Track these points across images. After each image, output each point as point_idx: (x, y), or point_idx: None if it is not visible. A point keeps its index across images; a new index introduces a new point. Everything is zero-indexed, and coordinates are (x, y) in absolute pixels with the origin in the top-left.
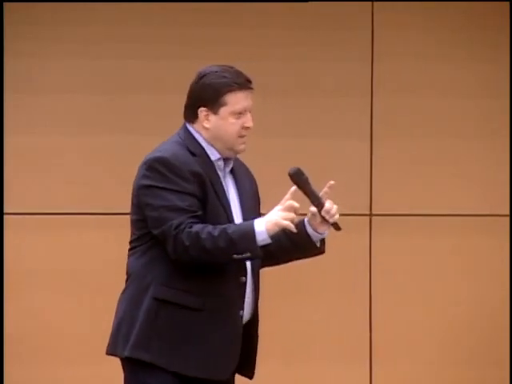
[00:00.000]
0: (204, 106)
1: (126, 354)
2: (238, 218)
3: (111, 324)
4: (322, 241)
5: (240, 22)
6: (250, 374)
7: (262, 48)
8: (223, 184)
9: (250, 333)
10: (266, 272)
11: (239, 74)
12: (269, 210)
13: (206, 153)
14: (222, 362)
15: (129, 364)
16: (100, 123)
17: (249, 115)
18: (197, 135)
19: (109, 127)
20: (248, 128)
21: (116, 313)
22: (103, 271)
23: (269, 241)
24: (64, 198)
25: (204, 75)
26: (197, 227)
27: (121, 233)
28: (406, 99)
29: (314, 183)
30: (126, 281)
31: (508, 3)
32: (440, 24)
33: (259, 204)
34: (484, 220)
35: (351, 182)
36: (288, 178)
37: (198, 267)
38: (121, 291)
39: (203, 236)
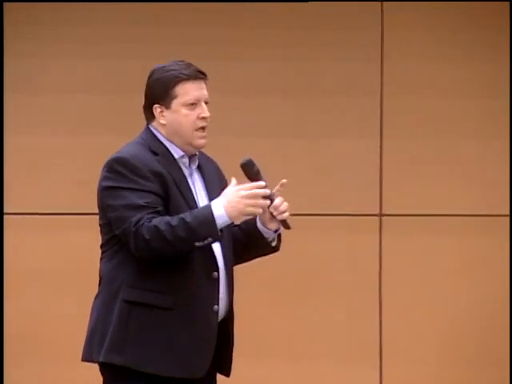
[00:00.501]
0: (157, 103)
1: (101, 359)
2: None
3: None
4: (278, 238)
5: (240, 21)
6: (226, 372)
7: (269, 48)
8: (188, 181)
9: (225, 330)
10: (274, 272)
11: (188, 65)
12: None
13: (168, 151)
14: (195, 360)
15: (105, 369)
16: (100, 123)
17: (203, 105)
18: (158, 134)
19: (109, 127)
20: (204, 118)
21: (90, 318)
22: None
23: (229, 222)
24: (64, 198)
25: (153, 72)
26: (155, 220)
27: None
28: (416, 99)
29: (323, 183)
30: (98, 286)
31: (508, 3)
32: (441, 24)
33: None
34: (484, 220)
35: (361, 182)
36: (301, 177)
37: (166, 266)
38: None
39: (162, 228)
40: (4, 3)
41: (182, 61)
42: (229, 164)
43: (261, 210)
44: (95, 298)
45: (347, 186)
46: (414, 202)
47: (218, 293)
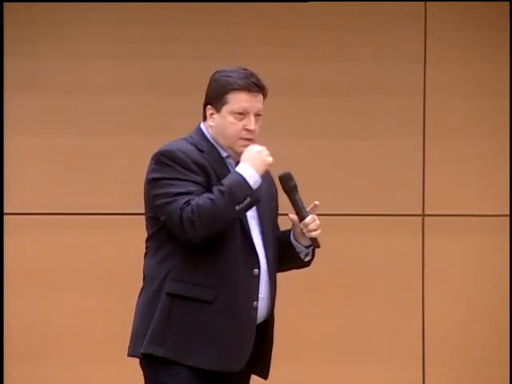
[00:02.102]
0: (210, 104)
1: (142, 350)
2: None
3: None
4: (313, 253)
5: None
6: (264, 375)
7: (314, 48)
8: None
9: (266, 332)
10: (317, 273)
11: (248, 75)
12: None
13: (216, 149)
14: (234, 354)
15: (145, 361)
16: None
17: (252, 118)
18: (207, 133)
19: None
20: (249, 131)
21: (134, 316)
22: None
23: (258, 178)
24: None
25: (214, 73)
26: (193, 200)
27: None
28: (459, 99)
29: (366, 183)
30: (143, 281)
31: (508, 3)
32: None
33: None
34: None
35: (404, 182)
36: (344, 177)
37: (209, 260)
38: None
39: (202, 203)
40: (4, 3)
41: (246, 69)
42: (276, 164)
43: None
44: (138, 296)
45: (390, 187)
46: (457, 202)
47: (258, 290)
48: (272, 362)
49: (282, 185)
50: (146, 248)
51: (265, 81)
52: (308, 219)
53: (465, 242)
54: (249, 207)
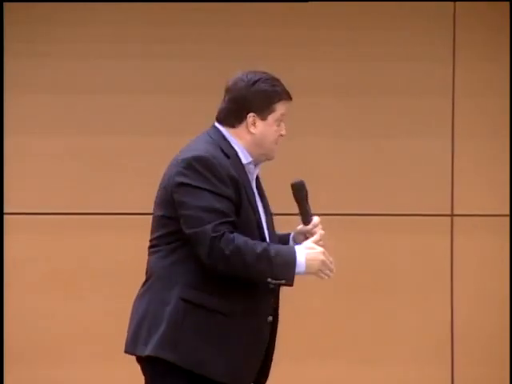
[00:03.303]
0: (254, 112)
1: (150, 352)
2: (264, 223)
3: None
4: None
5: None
6: (263, 380)
7: (342, 48)
8: (252, 188)
9: (269, 339)
10: (346, 273)
11: (283, 84)
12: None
13: (237, 155)
14: (245, 369)
15: (150, 364)
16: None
17: (283, 124)
18: (231, 138)
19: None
20: (282, 136)
21: (135, 312)
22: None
23: (303, 273)
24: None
25: (255, 81)
26: (238, 238)
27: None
28: (488, 99)
29: (395, 183)
30: (147, 280)
31: (508, 3)
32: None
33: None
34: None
35: (433, 182)
36: (373, 178)
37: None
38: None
39: (245, 250)
40: (4, 3)
41: (267, 73)
42: (296, 163)
43: (323, 278)
44: (143, 292)
45: (419, 187)
46: (486, 202)
47: (272, 303)
48: (300, 362)
49: (294, 193)
50: (155, 246)
51: (284, 80)
52: (316, 229)
53: (494, 242)
54: (278, 285)
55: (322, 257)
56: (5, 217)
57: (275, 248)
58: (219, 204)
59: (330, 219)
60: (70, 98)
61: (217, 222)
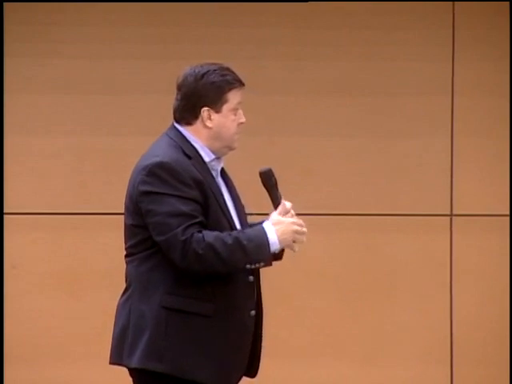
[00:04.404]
0: (207, 106)
1: (136, 364)
2: (235, 218)
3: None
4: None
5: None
6: (253, 374)
7: (339, 48)
8: (218, 185)
9: (255, 332)
10: (344, 272)
11: (233, 71)
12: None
13: (199, 154)
14: (234, 368)
15: (139, 375)
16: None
17: (241, 111)
18: (190, 137)
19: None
20: (242, 123)
21: (117, 321)
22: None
23: (278, 249)
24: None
25: (203, 74)
26: (208, 236)
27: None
28: (487, 99)
29: (394, 183)
30: (127, 289)
31: (508, 3)
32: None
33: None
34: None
35: (432, 182)
36: (371, 177)
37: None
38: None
39: (217, 245)
40: (4, 3)
41: (223, 65)
42: (297, 163)
43: (297, 248)
44: (123, 301)
45: (418, 186)
46: (486, 201)
47: (254, 296)
48: (300, 362)
49: (263, 181)
50: (130, 255)
51: (286, 80)
52: (289, 215)
53: (494, 242)
54: (257, 268)
55: (292, 227)
56: (5, 217)
57: (245, 234)
58: (185, 207)
59: (329, 219)
60: (70, 97)
61: (185, 225)
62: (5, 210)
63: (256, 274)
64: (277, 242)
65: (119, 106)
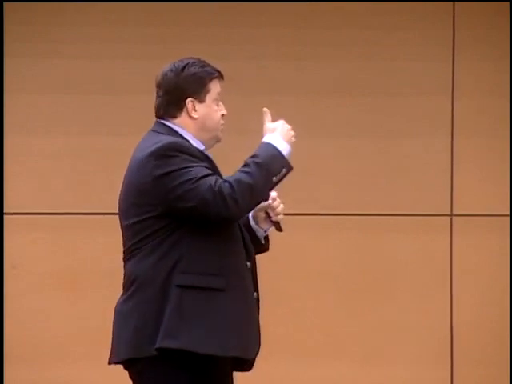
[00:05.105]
0: (191, 97)
1: (156, 346)
2: None
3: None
4: (266, 238)
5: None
6: (249, 367)
7: (339, 48)
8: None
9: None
10: (344, 272)
11: (211, 64)
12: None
13: (191, 144)
14: (251, 340)
15: (152, 360)
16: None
17: (222, 104)
18: (179, 129)
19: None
20: (223, 116)
21: (123, 318)
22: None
23: (289, 150)
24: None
25: (183, 67)
26: (229, 177)
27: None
28: (488, 99)
29: (394, 183)
30: (131, 284)
31: (508, 3)
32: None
33: None
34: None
35: (432, 182)
36: (372, 177)
37: (212, 251)
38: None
39: (240, 177)
40: (4, 3)
41: (192, 57)
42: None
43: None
44: (129, 296)
45: (418, 186)
46: (486, 201)
47: (252, 281)
48: (300, 363)
49: None
50: (132, 251)
51: (286, 80)
52: (275, 203)
53: (493, 242)
54: (284, 177)
55: (286, 125)
56: (5, 217)
57: (256, 157)
58: (203, 172)
59: (329, 219)
60: (70, 97)
61: (213, 182)
62: (5, 210)
63: (253, 261)
64: (284, 145)
65: (119, 106)
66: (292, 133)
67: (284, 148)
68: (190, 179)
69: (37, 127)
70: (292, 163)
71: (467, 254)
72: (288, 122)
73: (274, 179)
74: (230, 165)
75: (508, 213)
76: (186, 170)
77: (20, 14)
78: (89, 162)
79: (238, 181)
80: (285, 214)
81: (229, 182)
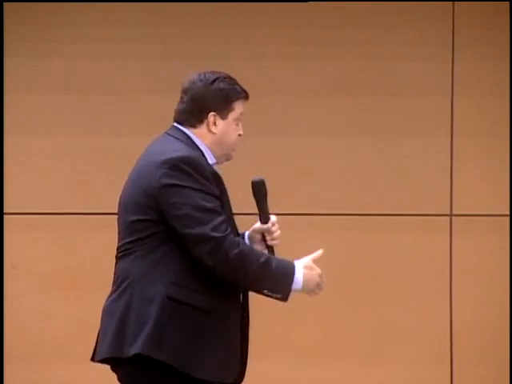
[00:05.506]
0: (214, 111)
1: (137, 351)
2: None
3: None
4: None
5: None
6: (240, 379)
7: (337, 48)
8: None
9: (242, 337)
10: (344, 272)
11: (239, 83)
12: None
13: (204, 156)
14: (231, 366)
15: (134, 364)
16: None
17: (241, 124)
18: (195, 139)
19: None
20: (240, 136)
21: (109, 316)
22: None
23: (298, 291)
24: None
25: (214, 80)
26: (244, 244)
27: None
28: (487, 99)
29: (394, 183)
30: (121, 282)
31: (508, 3)
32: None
33: None
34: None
35: (431, 182)
36: (371, 177)
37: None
38: None
39: (250, 257)
40: (4, 3)
41: (223, 72)
42: (297, 163)
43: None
44: (118, 294)
45: (417, 186)
46: (485, 201)
47: (242, 299)
48: (300, 363)
49: (254, 191)
50: (128, 250)
51: (286, 80)
52: (273, 228)
53: (493, 242)
54: (272, 298)
55: (318, 279)
56: (5, 217)
57: (276, 260)
58: (209, 203)
59: (329, 219)
60: (70, 97)
61: (216, 222)
62: (5, 210)
63: None
64: (300, 283)
65: (119, 106)
66: (317, 290)
67: (298, 283)
68: (193, 206)
69: (37, 127)
70: (292, 163)
71: (467, 254)
72: (288, 121)
73: (265, 291)
74: (230, 164)
75: (508, 213)
76: (192, 191)
77: (20, 14)
78: (89, 162)
79: (245, 255)
80: (285, 214)
81: (238, 244)
